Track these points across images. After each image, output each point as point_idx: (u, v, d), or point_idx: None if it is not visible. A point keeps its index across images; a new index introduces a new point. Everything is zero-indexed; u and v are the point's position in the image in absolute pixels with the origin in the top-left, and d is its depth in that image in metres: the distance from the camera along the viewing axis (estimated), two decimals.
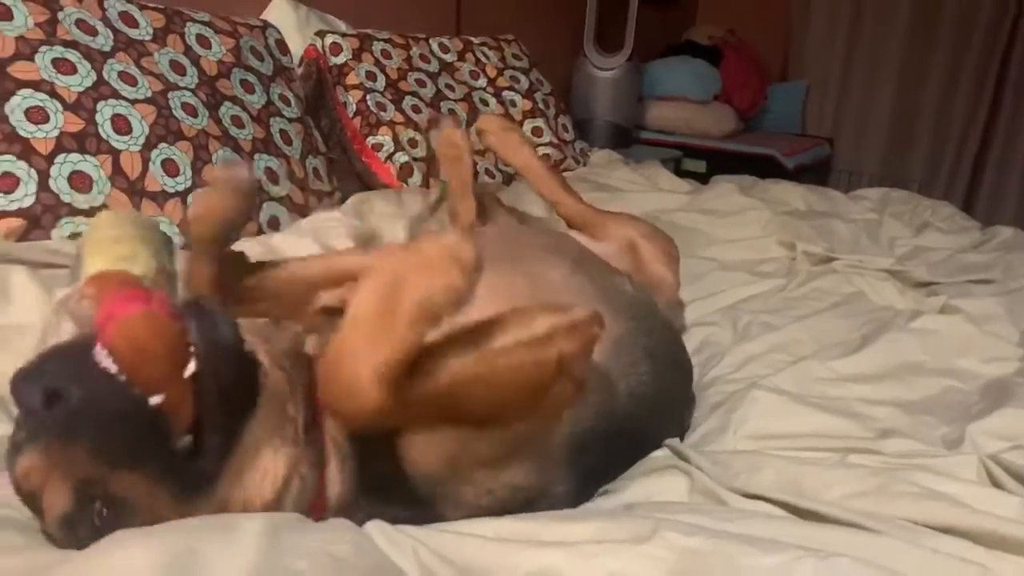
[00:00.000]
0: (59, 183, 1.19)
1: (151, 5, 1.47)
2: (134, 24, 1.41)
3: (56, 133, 1.20)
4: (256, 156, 1.47)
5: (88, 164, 1.22)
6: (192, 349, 0.55)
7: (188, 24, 1.50)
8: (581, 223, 1.24)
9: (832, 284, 1.43)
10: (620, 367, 0.83)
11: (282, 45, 1.74)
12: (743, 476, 0.80)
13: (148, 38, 1.41)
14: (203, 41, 1.51)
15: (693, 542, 0.63)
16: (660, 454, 0.87)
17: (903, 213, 1.86)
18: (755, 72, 3.58)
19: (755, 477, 0.79)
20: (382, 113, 1.87)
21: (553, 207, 1.30)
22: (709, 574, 0.60)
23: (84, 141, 1.23)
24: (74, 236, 1.17)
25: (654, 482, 0.83)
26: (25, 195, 1.16)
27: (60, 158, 1.20)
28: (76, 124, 1.23)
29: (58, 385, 0.52)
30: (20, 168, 1.16)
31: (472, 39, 2.28)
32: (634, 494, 0.82)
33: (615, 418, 0.80)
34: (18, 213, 1.15)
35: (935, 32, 3.46)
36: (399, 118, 1.90)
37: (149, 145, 1.30)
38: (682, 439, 0.94)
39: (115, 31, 1.36)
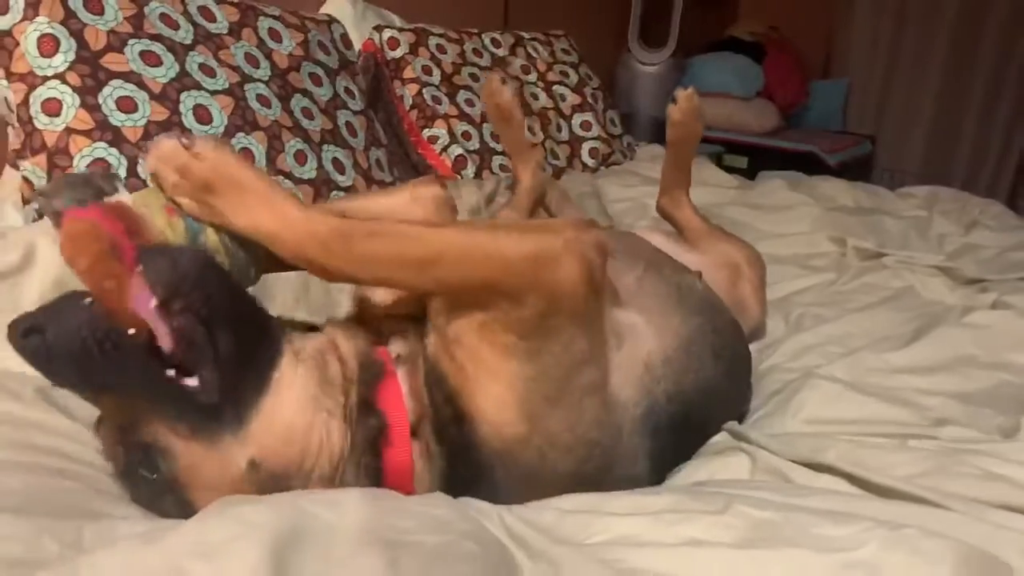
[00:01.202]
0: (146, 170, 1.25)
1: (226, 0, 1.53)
2: (212, 18, 1.47)
3: (144, 122, 1.27)
4: (324, 147, 1.53)
5: None
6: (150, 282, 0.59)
7: (260, 18, 1.56)
8: (692, 233, 1.29)
9: (882, 279, 1.46)
10: (689, 361, 0.87)
11: (346, 39, 1.80)
12: (807, 455, 0.84)
13: (225, 32, 1.48)
14: (274, 35, 1.57)
15: (766, 515, 0.67)
16: (720, 438, 0.91)
17: (951, 211, 1.87)
18: (797, 69, 3.58)
19: (818, 457, 0.83)
20: (438, 106, 1.93)
21: (672, 208, 1.35)
22: (784, 542, 0.64)
23: (169, 130, 1.29)
24: None
25: (717, 463, 0.87)
26: None
27: (147, 146, 1.26)
28: (162, 113, 1.29)
29: (39, 322, 0.59)
30: (112, 155, 1.22)
31: (523, 34, 2.32)
32: (697, 475, 0.86)
33: (684, 406, 0.85)
34: None
35: (979, 30, 3.43)
36: (454, 111, 1.95)
37: (228, 135, 1.36)
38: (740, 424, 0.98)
39: (195, 25, 1.43)
